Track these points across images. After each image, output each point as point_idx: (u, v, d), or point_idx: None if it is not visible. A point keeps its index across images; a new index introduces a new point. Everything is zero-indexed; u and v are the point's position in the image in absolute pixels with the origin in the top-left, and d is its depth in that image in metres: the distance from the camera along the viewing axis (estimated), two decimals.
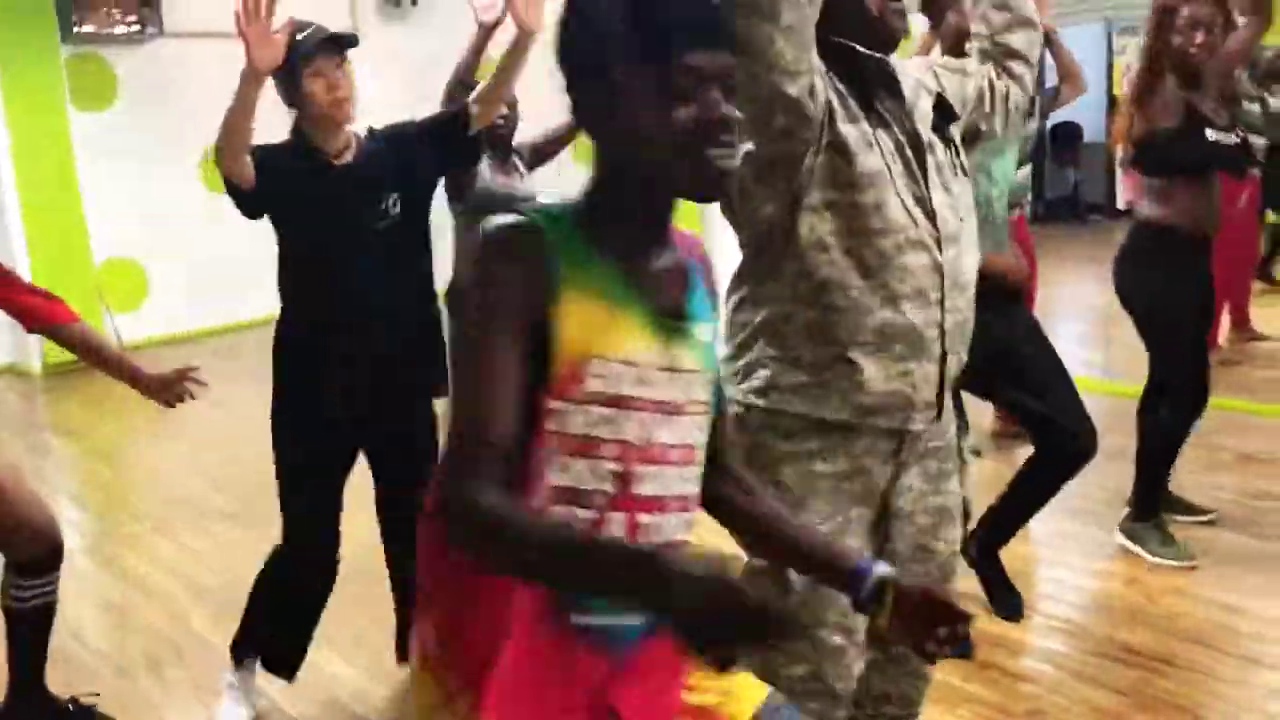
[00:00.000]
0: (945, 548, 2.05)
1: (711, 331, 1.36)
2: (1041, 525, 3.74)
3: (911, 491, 1.99)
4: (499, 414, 1.17)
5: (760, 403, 1.92)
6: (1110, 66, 11.31)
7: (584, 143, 1.33)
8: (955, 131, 1.99)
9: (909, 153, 1.85)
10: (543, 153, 4.07)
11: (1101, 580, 3.36)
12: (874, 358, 1.84)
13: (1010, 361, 2.92)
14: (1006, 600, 3.10)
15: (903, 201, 1.82)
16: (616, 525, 1.24)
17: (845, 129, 1.79)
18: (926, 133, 1.90)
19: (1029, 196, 6.00)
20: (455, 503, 1.15)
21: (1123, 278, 3.41)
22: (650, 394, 1.25)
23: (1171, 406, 3.39)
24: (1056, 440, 2.95)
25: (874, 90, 1.85)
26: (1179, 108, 3.23)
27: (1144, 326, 3.40)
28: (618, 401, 1.23)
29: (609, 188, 1.26)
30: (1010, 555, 3.18)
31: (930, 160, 1.88)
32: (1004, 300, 2.87)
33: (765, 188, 1.82)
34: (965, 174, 1.97)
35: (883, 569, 1.37)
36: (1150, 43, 3.30)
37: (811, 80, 1.73)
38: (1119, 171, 9.20)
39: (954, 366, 1.92)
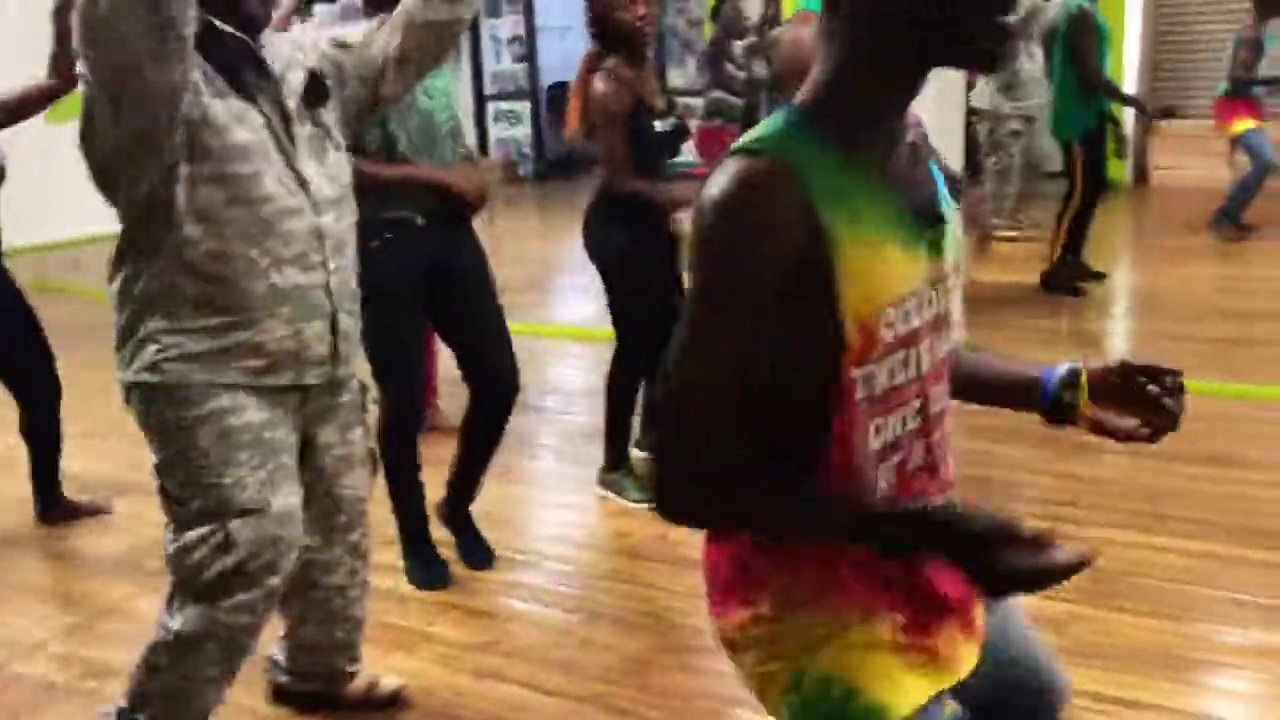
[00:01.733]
0: (350, 493, 2.23)
1: (954, 210, 1.25)
2: (529, 463, 4.02)
3: (321, 442, 2.15)
4: (743, 382, 1.07)
5: (155, 379, 1.94)
6: None
7: None
8: (328, 108, 2.08)
9: (278, 126, 1.95)
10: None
11: (563, 512, 3.65)
12: (264, 321, 1.93)
13: (451, 297, 2.93)
14: (475, 551, 3.22)
15: (277, 172, 1.92)
16: (919, 452, 1.19)
17: (212, 104, 1.86)
18: (295, 106, 1.99)
19: None
20: (689, 471, 1.08)
21: (589, 238, 3.48)
22: (930, 315, 1.16)
23: (629, 364, 3.54)
24: (487, 385, 3.04)
25: (240, 68, 1.92)
26: (630, 98, 3.26)
27: (608, 285, 3.45)
28: (912, 338, 1.14)
29: (859, 73, 1.09)
30: (491, 496, 3.35)
31: (298, 131, 1.97)
32: (454, 220, 2.90)
33: (137, 165, 1.84)
34: (339, 148, 2.09)
35: (1064, 367, 1.33)
36: (594, 18, 3.32)
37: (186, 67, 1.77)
38: None
39: (345, 322, 2.06)
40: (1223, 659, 2.58)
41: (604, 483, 3.68)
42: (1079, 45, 5.73)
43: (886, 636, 1.19)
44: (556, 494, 3.78)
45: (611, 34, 3.30)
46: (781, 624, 1.21)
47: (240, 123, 1.88)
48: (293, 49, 2.07)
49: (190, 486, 1.97)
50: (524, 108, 12.53)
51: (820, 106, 1.10)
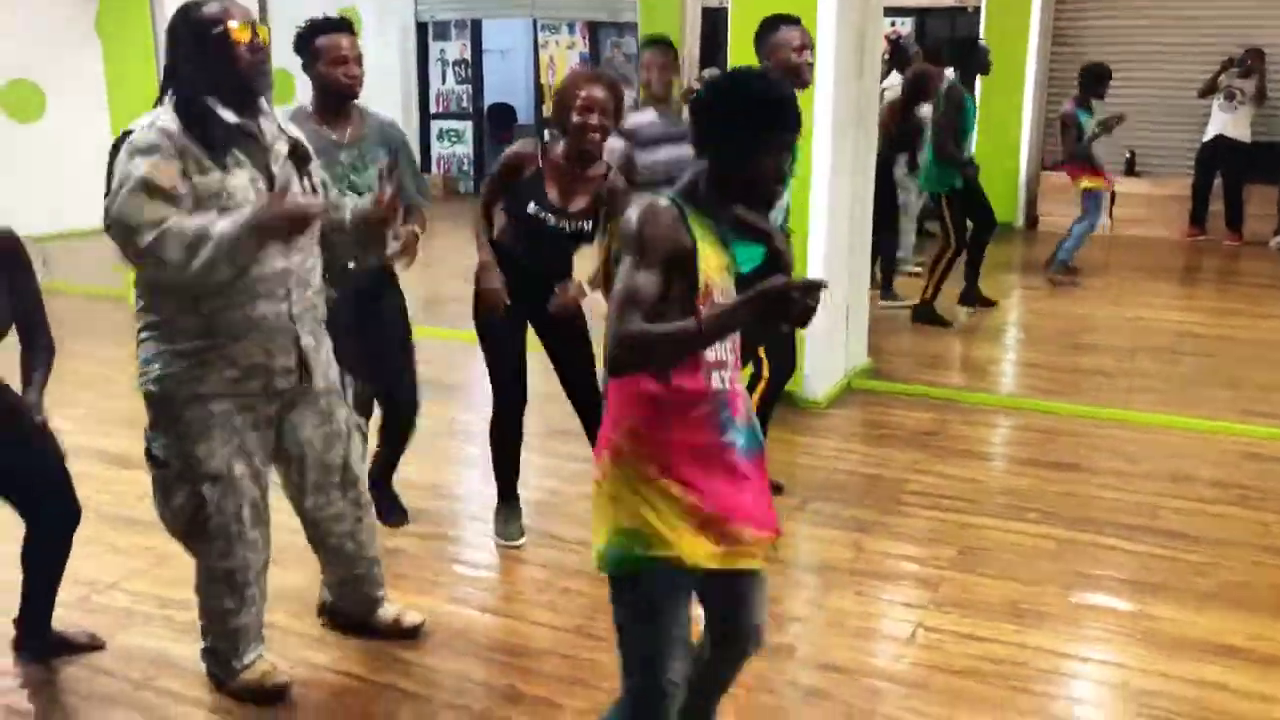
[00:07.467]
0: (340, 459, 2.87)
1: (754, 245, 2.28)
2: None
3: (307, 425, 2.78)
4: (644, 292, 1.92)
5: (155, 389, 2.61)
6: (536, 56, 12.76)
7: None
8: (313, 166, 2.74)
9: (263, 185, 2.57)
10: None
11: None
12: (239, 343, 2.59)
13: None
14: (394, 513, 3.90)
15: None
16: (729, 356, 2.09)
17: (215, 178, 2.48)
18: (279, 168, 2.62)
19: None
20: (615, 336, 1.89)
21: None
22: (730, 297, 2.06)
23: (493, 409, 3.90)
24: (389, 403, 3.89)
25: (229, 143, 2.52)
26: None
27: None
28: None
29: (715, 185, 2.04)
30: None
31: (278, 186, 2.57)
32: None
33: None
34: (317, 192, 2.73)
35: None
36: (554, 119, 3.62)
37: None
38: None
39: (306, 340, 2.69)
40: (1054, 610, 3.38)
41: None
42: (940, 117, 6.73)
43: (685, 500, 2.01)
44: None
45: None
46: (618, 468, 2.04)
47: (230, 185, 2.48)
48: (281, 122, 2.69)
49: (173, 452, 2.62)
50: (466, 127, 13.12)
51: (691, 193, 2.06)
